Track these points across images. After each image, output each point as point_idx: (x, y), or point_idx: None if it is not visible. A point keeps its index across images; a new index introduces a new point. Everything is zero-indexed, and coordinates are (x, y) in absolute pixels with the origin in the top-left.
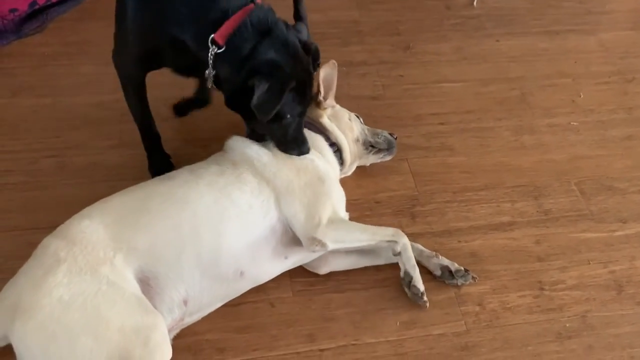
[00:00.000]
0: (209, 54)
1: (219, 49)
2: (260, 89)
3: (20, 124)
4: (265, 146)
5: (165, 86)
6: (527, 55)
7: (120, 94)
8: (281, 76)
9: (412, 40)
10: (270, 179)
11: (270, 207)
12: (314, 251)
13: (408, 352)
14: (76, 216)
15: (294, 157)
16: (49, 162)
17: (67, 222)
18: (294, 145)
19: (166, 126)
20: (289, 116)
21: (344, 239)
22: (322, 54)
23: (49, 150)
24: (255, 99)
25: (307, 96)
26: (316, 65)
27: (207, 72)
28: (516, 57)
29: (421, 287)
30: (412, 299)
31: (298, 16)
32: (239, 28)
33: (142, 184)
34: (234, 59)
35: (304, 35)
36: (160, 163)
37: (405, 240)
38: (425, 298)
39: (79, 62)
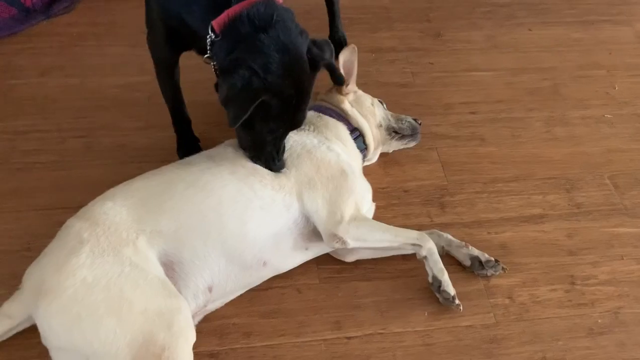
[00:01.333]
0: (207, 40)
1: (215, 36)
2: (223, 91)
3: (49, 103)
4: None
5: (192, 69)
6: (559, 45)
7: (148, 76)
8: (252, 83)
9: (442, 28)
10: (292, 173)
11: (293, 201)
12: (333, 247)
13: (436, 342)
14: (99, 198)
15: (315, 150)
16: (77, 142)
17: (90, 203)
18: (263, 160)
19: (194, 109)
20: (257, 127)
21: (366, 237)
22: (350, 40)
23: (77, 131)
24: (220, 100)
25: (291, 116)
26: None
27: (204, 57)
28: (548, 47)
29: (452, 290)
30: (444, 304)
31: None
32: (234, 18)
33: (163, 168)
34: (224, 50)
35: (326, 55)
36: (189, 146)
37: (430, 245)
38: (457, 301)
39: (107, 43)
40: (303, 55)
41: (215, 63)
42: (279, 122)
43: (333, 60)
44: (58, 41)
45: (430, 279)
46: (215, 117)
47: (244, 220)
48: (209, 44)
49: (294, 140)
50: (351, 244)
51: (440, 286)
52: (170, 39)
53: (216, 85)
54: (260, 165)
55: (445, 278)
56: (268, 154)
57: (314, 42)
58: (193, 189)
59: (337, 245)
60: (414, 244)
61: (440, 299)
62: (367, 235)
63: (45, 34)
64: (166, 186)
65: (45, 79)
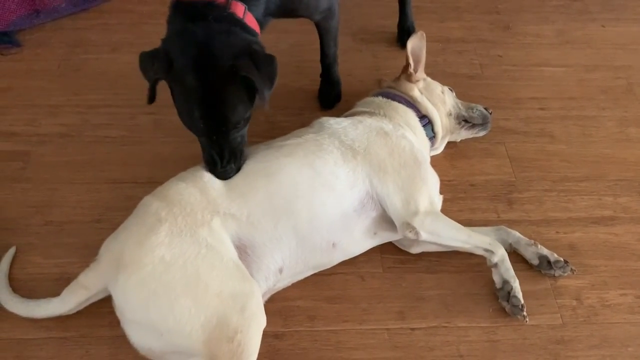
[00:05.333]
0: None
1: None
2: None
3: (119, 79)
4: (355, 122)
5: None
6: (635, 43)
7: None
8: (156, 62)
9: (511, 20)
10: (359, 152)
11: (357, 179)
12: (405, 236)
13: (501, 339)
14: (172, 179)
15: (391, 134)
16: (147, 119)
17: (165, 184)
18: (204, 160)
19: None
20: (181, 117)
21: (440, 233)
22: (418, 29)
23: (147, 107)
24: None
25: (209, 113)
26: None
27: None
28: (623, 45)
29: (522, 298)
30: (511, 313)
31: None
32: (178, 3)
33: None
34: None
35: (261, 68)
36: None
37: (502, 252)
38: (525, 312)
39: None
40: (220, 58)
41: None
42: (195, 117)
43: (264, 77)
44: (129, 18)
45: (499, 285)
46: (281, 101)
47: (310, 200)
48: (167, 19)
49: (369, 122)
50: (424, 236)
51: (510, 292)
52: None
53: None
54: (207, 170)
55: (517, 285)
56: (207, 155)
57: (253, 54)
58: (256, 175)
59: (410, 236)
60: (486, 249)
61: (507, 307)
62: (441, 231)
63: (116, 11)
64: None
65: (117, 54)
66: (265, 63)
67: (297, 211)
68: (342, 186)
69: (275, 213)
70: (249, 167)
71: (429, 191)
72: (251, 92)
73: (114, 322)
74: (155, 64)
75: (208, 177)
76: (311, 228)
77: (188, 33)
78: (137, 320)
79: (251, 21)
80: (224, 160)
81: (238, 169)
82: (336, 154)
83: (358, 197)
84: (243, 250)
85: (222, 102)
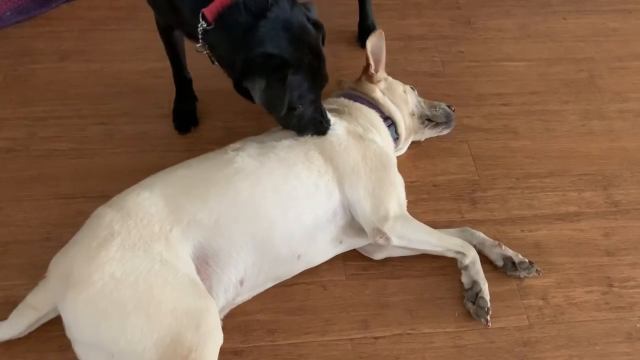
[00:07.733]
0: (199, 28)
1: (207, 25)
2: (256, 90)
3: (68, 89)
4: (335, 122)
5: None
6: (596, 35)
7: (169, 62)
8: (277, 68)
9: (473, 15)
10: (336, 153)
11: (334, 188)
12: (376, 242)
13: (467, 344)
14: (136, 186)
15: (362, 138)
16: (98, 130)
17: (124, 192)
18: (312, 127)
19: (217, 98)
20: (300, 107)
21: (411, 237)
22: (378, 26)
23: (98, 117)
24: (257, 99)
25: (318, 80)
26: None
27: (197, 46)
28: (584, 37)
29: (489, 301)
30: (475, 314)
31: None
32: (230, 7)
33: (210, 153)
34: (224, 40)
35: (313, 14)
36: (187, 101)
37: (474, 253)
38: (489, 316)
39: (128, 28)
40: (305, 23)
41: (209, 52)
42: (313, 90)
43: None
44: (78, 25)
45: (468, 285)
46: (238, 106)
47: (286, 210)
48: (200, 32)
49: (342, 124)
50: (395, 241)
51: (478, 293)
52: (156, 13)
53: (235, 86)
54: (310, 133)
55: (485, 287)
56: (315, 120)
57: (310, 11)
58: (240, 175)
59: (381, 241)
60: (457, 252)
61: (472, 309)
62: (412, 235)
63: (65, 18)
64: (213, 172)
65: (65, 63)
66: (310, 5)
67: (269, 220)
68: (321, 197)
69: (247, 219)
70: (239, 163)
71: (398, 195)
72: None
73: (64, 346)
74: (279, 75)
75: (185, 181)
76: (280, 239)
77: (278, 24)
78: (87, 340)
79: None
80: (325, 115)
81: None
82: (320, 163)
83: (332, 208)
84: (204, 261)
85: (324, 63)
